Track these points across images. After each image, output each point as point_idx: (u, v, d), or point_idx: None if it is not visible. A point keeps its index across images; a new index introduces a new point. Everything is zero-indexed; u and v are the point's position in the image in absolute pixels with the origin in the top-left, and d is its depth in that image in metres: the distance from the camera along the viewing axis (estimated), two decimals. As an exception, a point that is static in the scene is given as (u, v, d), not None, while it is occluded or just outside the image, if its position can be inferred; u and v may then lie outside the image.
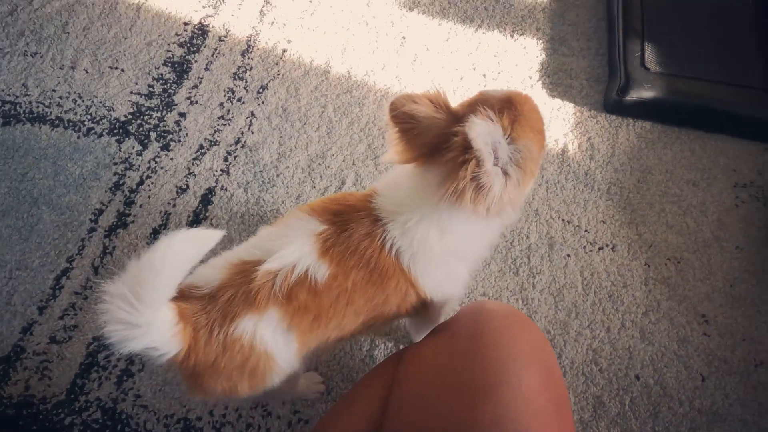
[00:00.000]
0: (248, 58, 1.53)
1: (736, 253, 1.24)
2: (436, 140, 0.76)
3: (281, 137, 1.38)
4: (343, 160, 1.34)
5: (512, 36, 1.62)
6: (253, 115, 1.41)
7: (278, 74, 1.50)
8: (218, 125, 1.39)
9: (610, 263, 1.21)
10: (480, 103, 0.77)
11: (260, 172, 1.31)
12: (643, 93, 1.39)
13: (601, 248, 1.23)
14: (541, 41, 1.61)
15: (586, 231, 1.26)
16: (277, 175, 1.31)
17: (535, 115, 0.80)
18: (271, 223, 0.83)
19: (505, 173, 0.74)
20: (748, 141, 1.42)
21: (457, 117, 0.77)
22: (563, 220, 1.27)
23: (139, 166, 1.31)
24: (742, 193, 1.33)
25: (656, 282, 1.19)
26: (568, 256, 1.22)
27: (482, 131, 0.69)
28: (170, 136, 1.37)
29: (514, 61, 1.56)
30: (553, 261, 1.21)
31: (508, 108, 0.77)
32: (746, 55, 1.46)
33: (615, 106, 1.43)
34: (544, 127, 0.82)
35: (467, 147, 0.69)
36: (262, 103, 1.44)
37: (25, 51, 1.49)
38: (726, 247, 1.25)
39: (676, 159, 1.38)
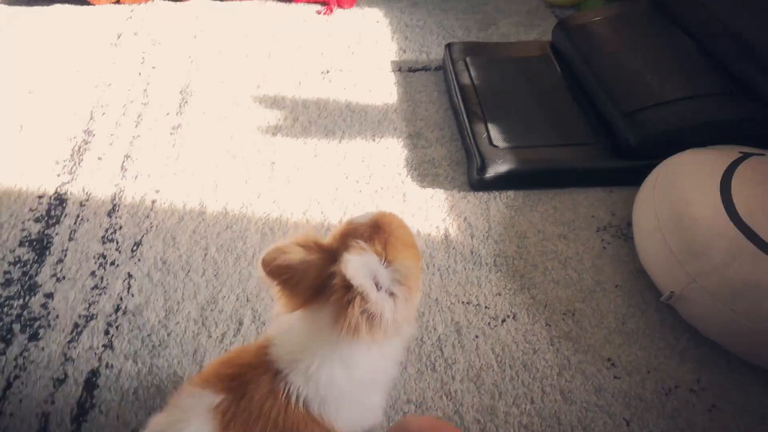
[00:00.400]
0: (116, 217, 1.47)
1: (617, 291, 1.35)
2: (318, 281, 0.77)
3: (165, 292, 1.30)
4: (237, 300, 1.30)
5: (374, 140, 1.74)
6: (130, 276, 1.33)
7: (151, 227, 1.45)
8: (92, 297, 1.29)
9: (515, 333, 1.26)
10: (350, 235, 0.80)
11: (148, 336, 1.22)
12: (498, 168, 1.54)
13: (503, 320, 1.29)
14: (400, 139, 1.74)
15: (486, 307, 1.31)
16: (168, 335, 1.23)
17: (403, 230, 0.85)
18: (162, 409, 0.76)
19: (392, 295, 0.76)
20: (595, 188, 1.60)
21: (332, 252, 0.79)
22: (463, 302, 1.32)
23: (4, 367, 1.16)
24: (605, 235, 1.48)
25: (560, 339, 1.25)
26: (477, 337, 1.25)
27: (358, 266, 0.70)
28: (38, 322, 1.24)
29: (381, 162, 1.66)
30: (465, 346, 1.23)
31: (377, 232, 0.81)
32: (572, 118, 1.69)
33: (479, 184, 1.56)
34: (414, 238, 0.86)
35: (348, 286, 0.71)
36: (139, 260, 1.37)
37: None
38: (607, 288, 1.36)
39: (543, 218, 1.52)
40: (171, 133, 1.72)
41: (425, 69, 2.03)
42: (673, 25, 1.80)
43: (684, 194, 1.32)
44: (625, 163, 1.57)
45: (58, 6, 2.27)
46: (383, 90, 1.92)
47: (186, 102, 1.84)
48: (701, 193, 1.30)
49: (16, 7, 2.26)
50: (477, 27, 2.25)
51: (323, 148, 1.70)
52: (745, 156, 1.39)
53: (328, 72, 2.00)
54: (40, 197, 1.50)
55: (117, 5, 2.28)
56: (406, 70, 2.03)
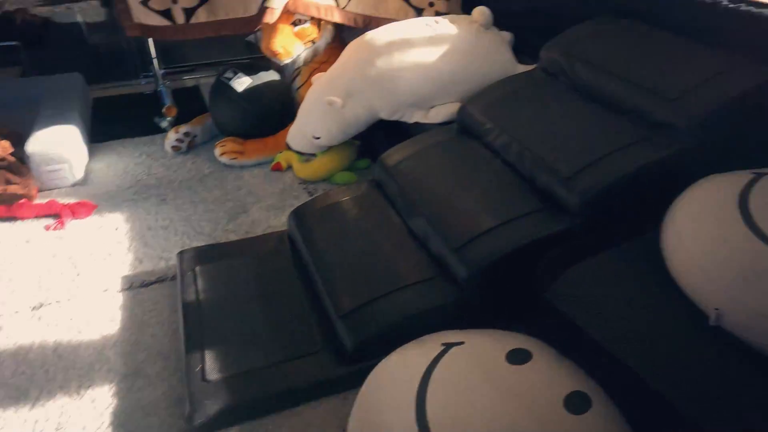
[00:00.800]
0: None
1: None
2: None
3: None
4: None
5: (78, 393, 1.50)
6: None
7: None
8: None
9: None
10: None
11: None
12: (209, 410, 1.38)
13: None
14: (113, 384, 1.52)
15: None
16: None
17: None
18: None
19: None
20: (328, 397, 1.50)
21: None
22: None
23: None
24: (333, 462, 1.36)
25: None
26: None
27: None
28: None
29: (81, 426, 1.42)
30: None
31: None
32: (298, 324, 1.62)
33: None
34: None
35: None
36: None
37: None
38: None
39: (268, 458, 1.37)
40: None
41: (160, 280, 1.89)
42: (389, 208, 1.90)
43: (381, 417, 1.26)
44: (351, 368, 1.51)
45: None
46: (104, 319, 1.73)
47: None
48: (397, 411, 1.25)
49: None
50: (227, 218, 2.21)
51: (6, 422, 1.41)
52: (447, 348, 1.39)
53: (40, 306, 1.77)
54: None
55: None
56: (138, 286, 1.87)
